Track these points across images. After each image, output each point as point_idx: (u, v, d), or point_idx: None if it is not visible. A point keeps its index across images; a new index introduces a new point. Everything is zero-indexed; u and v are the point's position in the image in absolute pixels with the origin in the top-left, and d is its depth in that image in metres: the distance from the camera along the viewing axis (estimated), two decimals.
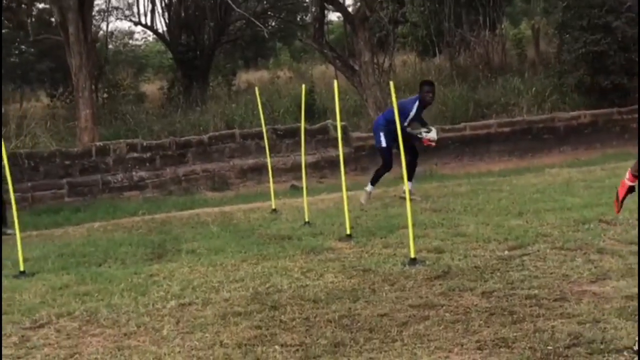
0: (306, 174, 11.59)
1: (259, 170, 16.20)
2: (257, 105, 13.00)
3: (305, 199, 10.75)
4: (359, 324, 5.74)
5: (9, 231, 11.40)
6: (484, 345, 5.11)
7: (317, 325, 5.76)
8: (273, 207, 11.91)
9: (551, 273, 6.79)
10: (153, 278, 7.69)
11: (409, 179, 10.53)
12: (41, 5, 29.20)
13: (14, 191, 9.03)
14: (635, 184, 4.82)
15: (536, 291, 6.22)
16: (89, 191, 15.62)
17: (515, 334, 5.24)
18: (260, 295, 6.72)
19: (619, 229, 8.38)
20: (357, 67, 21.20)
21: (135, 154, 16.12)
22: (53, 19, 26.65)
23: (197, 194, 15.83)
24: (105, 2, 30.27)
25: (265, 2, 32.86)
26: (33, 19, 27.86)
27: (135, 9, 32.24)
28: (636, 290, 5.98)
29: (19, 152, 15.39)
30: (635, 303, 5.67)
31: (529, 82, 21.91)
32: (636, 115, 19.07)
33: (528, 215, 9.61)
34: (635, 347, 4.74)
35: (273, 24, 35.85)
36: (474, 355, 4.98)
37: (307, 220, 10.37)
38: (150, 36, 37.18)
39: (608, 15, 19.83)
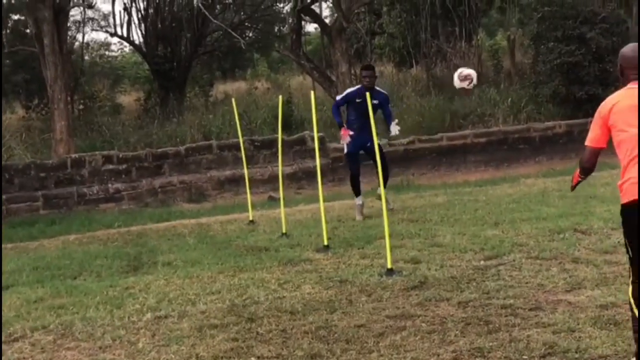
0: (283, 185, 11.58)
1: (236, 181, 16.17)
2: (234, 116, 12.99)
3: (282, 210, 10.73)
4: (335, 335, 5.73)
5: None
6: (460, 355, 5.13)
7: (294, 337, 5.76)
8: (250, 218, 11.88)
9: (526, 283, 6.82)
10: (129, 291, 7.63)
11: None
12: (16, 17, 29.06)
13: None
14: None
15: (512, 301, 6.24)
16: (65, 203, 15.52)
17: (491, 344, 5.26)
18: (237, 308, 6.69)
19: (593, 238, 8.44)
20: (334, 78, 21.31)
21: (111, 166, 16.04)
22: (28, 31, 26.54)
23: (173, 206, 15.77)
24: (81, 13, 30.19)
25: (242, 13, 32.87)
26: (8, 30, 27.70)
27: (111, 20, 32.13)
28: (610, 299, 6.02)
29: None
30: (610, 312, 5.71)
31: (504, 93, 22.05)
32: None
33: (504, 225, 9.65)
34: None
35: (250, 34, 35.85)
36: None
37: (284, 231, 10.35)
38: (127, 47, 37.05)
39: (582, 27, 20.01)
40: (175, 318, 6.49)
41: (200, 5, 24.04)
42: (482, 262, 7.74)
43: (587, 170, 5.01)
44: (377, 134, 8.55)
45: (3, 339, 6.25)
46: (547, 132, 18.96)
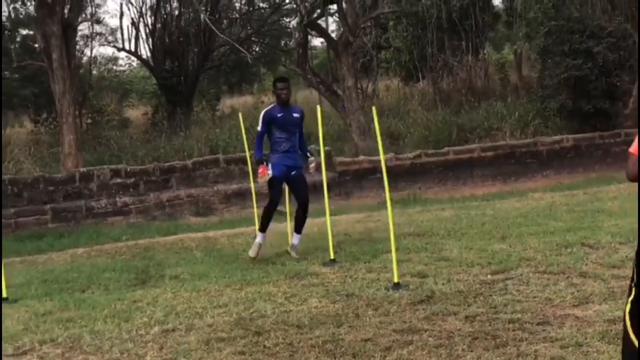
0: (289, 198, 11.59)
1: (243, 195, 16.18)
2: (241, 130, 13.02)
3: (288, 224, 10.75)
4: (342, 349, 5.73)
5: None
6: None
7: (300, 351, 5.76)
8: (257, 232, 11.87)
9: (534, 297, 6.81)
10: (136, 304, 7.66)
11: (297, 230, 10.07)
12: (24, 32, 29.22)
13: None
14: None
15: (519, 315, 6.24)
16: (73, 217, 15.56)
17: (498, 358, 5.26)
18: (244, 321, 6.70)
19: (601, 252, 8.43)
20: (340, 92, 21.35)
21: (119, 180, 16.08)
22: (37, 45, 26.67)
23: (180, 219, 15.79)
24: (89, 28, 30.36)
25: (249, 28, 33.01)
26: (17, 45, 27.85)
27: (119, 35, 32.30)
28: (618, 313, 6.01)
29: (3, 178, 15.31)
30: (617, 327, 5.70)
31: (511, 107, 22.05)
32: (618, 140, 19.23)
33: (511, 240, 9.65)
34: None
35: (257, 49, 36.00)
36: None
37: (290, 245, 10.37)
38: (134, 62, 37.26)
39: (589, 41, 20.03)
40: (183, 331, 6.51)
41: (207, 20, 24.11)
42: (489, 277, 7.74)
43: None
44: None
45: (12, 352, 6.28)
46: (555, 146, 18.96)
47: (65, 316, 7.33)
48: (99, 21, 31.89)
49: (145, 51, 30.95)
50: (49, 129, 26.08)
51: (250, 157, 13.09)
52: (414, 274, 8.05)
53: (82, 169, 16.42)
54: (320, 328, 6.31)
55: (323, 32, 23.25)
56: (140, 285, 8.81)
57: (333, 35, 25.89)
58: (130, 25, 34.46)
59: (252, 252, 9.69)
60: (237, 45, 26.18)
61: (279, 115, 9.93)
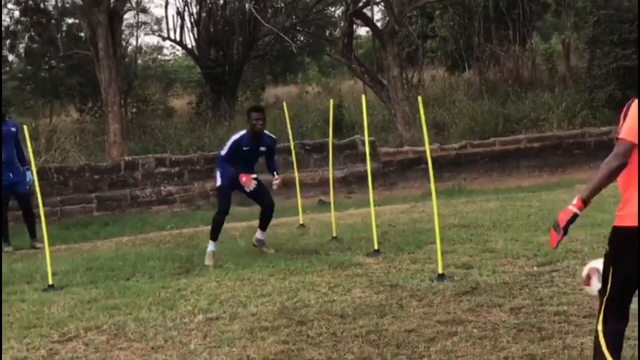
0: (334, 188, 11.58)
1: (287, 184, 16.16)
2: (285, 120, 13.03)
3: (333, 214, 10.73)
4: (386, 339, 5.71)
5: (38, 245, 11.49)
6: None
7: (344, 341, 5.74)
8: (301, 222, 11.90)
9: (580, 290, 6.68)
10: (181, 292, 7.70)
11: (263, 227, 9.99)
12: (70, 21, 29.52)
13: (44, 205, 9.08)
14: (581, 212, 4.36)
15: (565, 307, 6.16)
16: (118, 205, 15.69)
17: (543, 351, 5.19)
18: (288, 310, 6.70)
19: None
20: (385, 82, 21.25)
21: (163, 169, 16.18)
22: (82, 34, 26.93)
23: None
24: (134, 17, 30.58)
25: (294, 17, 32.97)
26: (63, 34, 28.15)
27: (164, 24, 32.48)
28: None
29: (49, 167, 15.49)
30: None
31: (559, 97, 21.77)
32: None
33: None
34: None
35: (302, 38, 35.95)
36: None
37: (334, 235, 10.37)
38: (179, 51, 37.46)
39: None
40: (227, 320, 6.53)
41: (252, 9, 24.17)
42: (535, 268, 7.66)
43: None
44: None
45: (58, 338, 6.34)
46: (603, 138, 18.65)
47: (110, 303, 7.39)
48: (144, 10, 32.08)
49: (190, 40, 31.06)
50: (94, 117, 26.38)
51: (295, 146, 13.10)
52: (459, 265, 7.99)
53: (127, 158, 16.55)
54: (363, 318, 6.29)
55: (368, 22, 23.14)
56: (185, 273, 8.85)
57: (378, 24, 25.79)
58: (175, 15, 34.62)
59: (207, 261, 9.28)
60: (282, 34, 26.23)
61: (245, 148, 9.65)
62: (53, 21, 28.59)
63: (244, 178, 9.50)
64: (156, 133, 22.43)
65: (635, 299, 4.23)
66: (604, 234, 8.93)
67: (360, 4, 22.51)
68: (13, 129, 11.84)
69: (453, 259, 8.28)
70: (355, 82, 28.23)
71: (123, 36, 25.69)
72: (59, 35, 27.36)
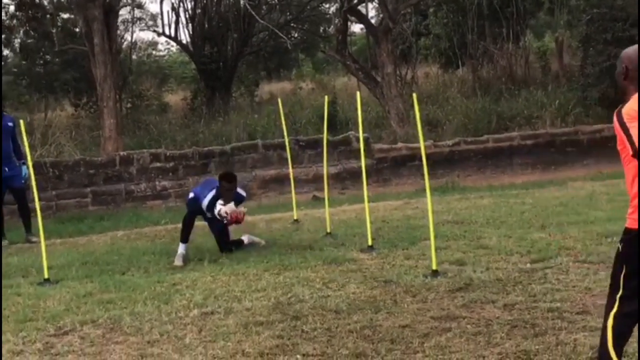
0: (328, 184, 11.61)
1: (281, 180, 16.22)
2: (280, 116, 13.06)
3: (327, 210, 10.77)
4: (380, 334, 5.76)
5: (33, 239, 11.52)
6: (506, 358, 5.12)
7: (338, 336, 5.79)
8: (295, 217, 11.94)
9: (574, 286, 6.77)
10: (176, 287, 7.74)
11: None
12: (66, 16, 29.47)
13: (39, 199, 9.10)
14: None
15: (558, 304, 6.21)
16: (113, 200, 15.71)
17: (537, 347, 5.24)
18: (282, 305, 6.75)
19: None
20: (379, 79, 21.29)
21: (158, 164, 16.20)
22: (77, 29, 26.89)
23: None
24: (130, 12, 30.55)
25: (288, 14, 33.00)
26: (58, 29, 28.12)
27: (159, 20, 32.46)
28: None
29: (44, 161, 15.49)
30: None
31: (552, 95, 21.82)
32: None
33: (551, 229, 9.59)
34: None
35: (296, 35, 35.99)
36: None
37: (328, 231, 10.41)
38: (174, 47, 37.45)
39: (632, 29, 19.74)
40: (222, 314, 6.57)
41: (247, 5, 24.16)
42: (528, 265, 7.71)
43: None
44: None
45: (54, 332, 6.38)
46: (596, 135, 18.72)
47: (105, 297, 7.43)
48: (140, 6, 32.06)
49: (184, 36, 31.07)
50: (89, 112, 26.38)
51: (289, 142, 13.13)
52: (452, 262, 8.05)
53: (122, 153, 16.55)
54: (358, 314, 6.33)
55: (363, 19, 23.19)
56: (179, 268, 8.88)
57: (373, 21, 25.83)
58: (170, 11, 34.62)
59: (177, 262, 9.19)
60: (276, 30, 26.25)
61: (208, 215, 9.65)
62: (48, 16, 28.54)
63: (240, 216, 9.52)
64: (151, 128, 22.46)
65: None
66: (597, 231, 9.05)
67: (355, 1, 22.53)
68: (10, 124, 11.84)
69: (447, 256, 8.33)
70: (349, 78, 28.25)
71: (118, 32, 25.66)
72: (54, 30, 27.32)
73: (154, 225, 12.89)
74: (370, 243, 9.17)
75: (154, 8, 72.33)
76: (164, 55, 40.97)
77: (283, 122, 12.77)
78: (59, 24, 29.02)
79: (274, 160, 16.81)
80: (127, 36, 32.11)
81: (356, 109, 9.93)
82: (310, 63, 39.00)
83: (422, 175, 8.57)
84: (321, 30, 37.02)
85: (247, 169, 16.74)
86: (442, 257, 8.11)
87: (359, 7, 23.43)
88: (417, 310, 6.34)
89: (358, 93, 10.02)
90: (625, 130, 3.99)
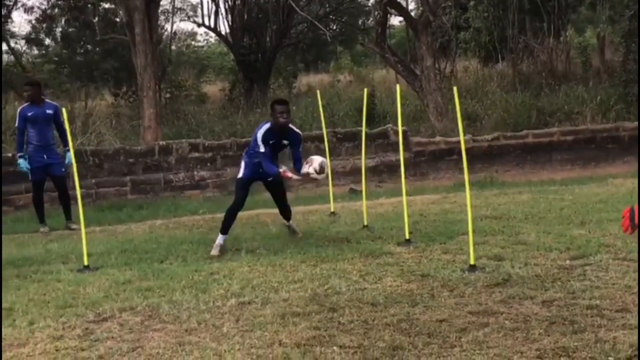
0: (365, 177, 11.60)
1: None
2: (318, 108, 13.06)
3: (364, 203, 10.77)
4: (417, 328, 5.74)
5: (73, 226, 11.66)
6: (544, 354, 5.07)
7: (375, 329, 5.78)
8: (332, 210, 11.95)
9: (613, 284, 6.70)
10: (213, 276, 7.78)
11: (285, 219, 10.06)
12: (107, 5, 29.71)
13: (80, 187, 9.19)
14: None
15: (598, 301, 6.15)
16: (151, 189, 15.83)
17: (576, 344, 5.20)
18: (319, 297, 6.75)
19: None
20: (418, 72, 21.21)
21: (196, 154, 16.29)
22: (118, 19, 27.10)
23: (256, 195, 15.84)
24: (170, 3, 30.73)
25: (327, 6, 32.98)
26: (99, 19, 28.36)
27: (199, 11, 32.62)
28: None
29: (85, 149, 15.65)
30: None
31: (593, 91, 21.61)
32: None
33: (590, 225, 9.49)
34: None
35: (335, 27, 35.96)
36: None
37: (365, 223, 10.40)
38: (213, 38, 37.63)
39: None
40: (259, 304, 6.59)
41: None
42: (567, 262, 7.64)
43: None
44: None
45: (93, 318, 6.45)
46: (637, 132, 18.51)
47: (144, 285, 7.49)
48: None
49: (224, 27, 31.19)
50: (129, 102, 26.59)
51: (327, 135, 13.13)
52: (491, 257, 8.00)
53: (161, 142, 16.67)
54: (394, 307, 6.32)
55: (403, 11, 23.08)
56: (217, 258, 8.92)
57: (412, 14, 25.71)
58: (210, 1, 34.77)
59: (214, 252, 9.09)
60: (315, 22, 26.23)
61: (270, 142, 9.32)
62: (89, 5, 28.78)
63: (289, 174, 9.28)
64: (189, 118, 22.57)
65: None
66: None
67: None
68: (49, 111, 11.94)
69: (485, 251, 8.29)
70: (388, 71, 28.19)
71: (159, 22, 25.81)
72: (95, 20, 27.55)
73: (192, 214, 12.98)
74: (407, 237, 9.14)
75: None
76: (202, 46, 41.20)
77: (321, 114, 12.77)
78: (100, 13, 29.26)
79: (312, 152, 16.73)
80: (167, 26, 32.34)
81: (394, 102, 9.94)
82: (349, 55, 38.97)
83: (460, 169, 8.54)
84: (360, 23, 36.97)
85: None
86: (480, 252, 8.07)
87: (399, 0, 23.34)
88: (454, 304, 6.31)
89: (398, 86, 9.98)
90: None
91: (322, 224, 11.10)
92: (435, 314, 6.08)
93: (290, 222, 10.15)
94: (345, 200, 13.65)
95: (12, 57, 27.85)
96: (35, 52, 31.09)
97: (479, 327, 5.69)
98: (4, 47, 27.57)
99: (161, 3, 24.21)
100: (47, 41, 30.99)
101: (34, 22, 29.54)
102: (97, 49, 29.53)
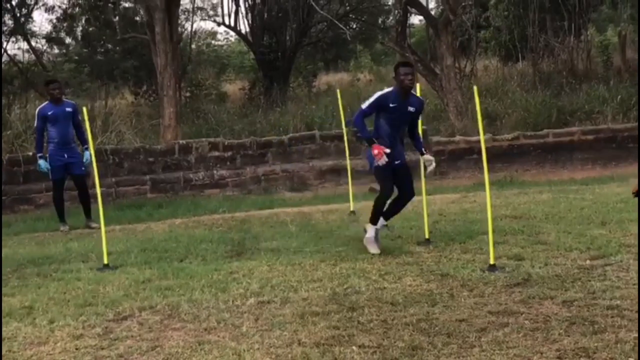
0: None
1: (338, 172, 16.26)
2: (337, 107, 13.05)
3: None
4: (437, 328, 5.72)
5: (93, 225, 11.73)
6: (564, 354, 5.05)
7: (394, 328, 5.77)
8: (351, 209, 11.94)
9: (634, 284, 6.65)
10: (233, 275, 7.79)
11: (386, 216, 9.08)
12: (127, 4, 29.82)
13: (100, 186, 9.24)
14: None
15: (618, 302, 6.11)
16: (171, 188, 15.89)
17: (596, 344, 5.17)
18: (338, 296, 6.75)
19: None
20: (438, 71, 21.14)
21: (216, 153, 16.34)
22: (137, 18, 27.18)
23: (276, 194, 15.95)
24: (191, 2, 30.80)
25: (347, 5, 32.94)
26: (119, 18, 28.47)
27: (219, 10, 32.69)
28: None
29: (105, 148, 15.74)
30: None
31: (614, 90, 21.46)
32: None
33: (611, 225, 9.44)
34: None
35: (354, 26, 35.89)
36: None
37: (385, 223, 10.36)
38: (233, 37, 37.67)
39: None
40: (278, 304, 6.60)
41: None
42: (587, 262, 7.60)
43: None
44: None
45: (112, 317, 6.48)
46: None
47: (163, 284, 7.52)
48: None
49: (244, 26, 31.26)
50: (149, 101, 26.65)
51: (347, 134, 13.11)
52: (510, 257, 7.97)
53: (181, 141, 16.73)
54: (414, 306, 6.31)
55: (423, 10, 23.04)
56: (237, 257, 8.94)
57: (433, 13, 25.64)
58: (230, 1, 34.83)
59: (372, 249, 8.64)
60: (335, 21, 26.22)
61: (392, 105, 8.65)
62: (110, 5, 28.89)
63: (375, 150, 8.48)
64: (209, 118, 22.60)
65: None
66: None
67: None
68: (68, 109, 12.00)
69: (504, 250, 8.26)
70: None
71: (179, 21, 25.88)
72: (115, 19, 27.64)
73: (212, 213, 13.01)
74: (427, 236, 9.13)
75: None
76: (222, 45, 41.22)
77: (341, 113, 12.77)
78: (121, 12, 29.37)
79: (331, 151, 16.83)
80: (188, 25, 32.41)
81: None
82: (369, 54, 38.86)
83: (480, 168, 8.50)
84: (380, 22, 36.85)
85: (304, 160, 16.80)
86: (499, 252, 8.04)
87: None
88: (474, 304, 6.29)
89: (418, 85, 9.95)
90: None
91: (342, 223, 11.09)
92: (455, 313, 6.06)
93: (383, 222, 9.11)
94: (365, 199, 13.61)
95: (32, 56, 27.98)
96: (56, 51, 31.23)
97: (498, 327, 5.67)
98: (25, 46, 27.78)
99: (181, 2, 24.29)
100: (68, 40, 31.14)
101: (54, 21, 29.69)
102: (118, 48, 29.63)
